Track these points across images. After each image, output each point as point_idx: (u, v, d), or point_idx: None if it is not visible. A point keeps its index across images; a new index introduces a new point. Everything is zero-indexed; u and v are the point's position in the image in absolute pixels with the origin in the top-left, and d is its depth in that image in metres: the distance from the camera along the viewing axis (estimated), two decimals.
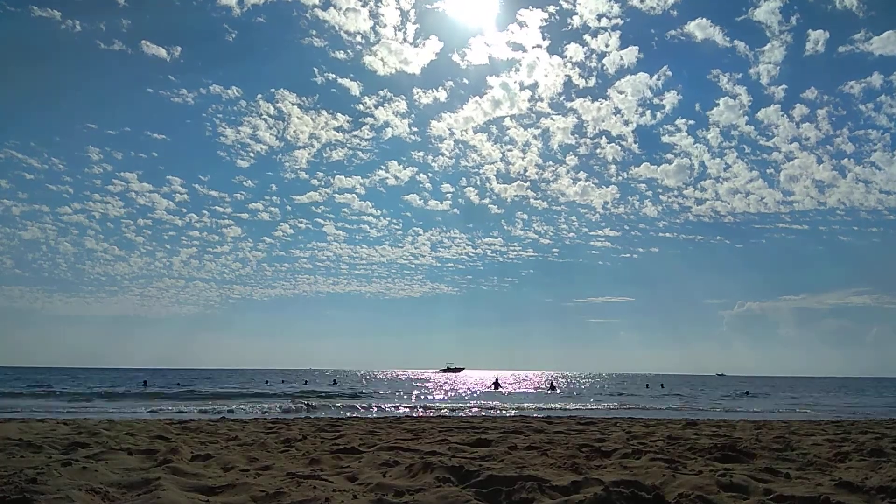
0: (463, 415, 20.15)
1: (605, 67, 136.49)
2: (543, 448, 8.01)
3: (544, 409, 26.56)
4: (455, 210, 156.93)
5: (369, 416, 19.91)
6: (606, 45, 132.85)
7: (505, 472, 5.15)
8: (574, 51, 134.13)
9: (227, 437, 9.45)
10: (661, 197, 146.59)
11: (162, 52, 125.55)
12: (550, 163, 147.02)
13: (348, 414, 21.65)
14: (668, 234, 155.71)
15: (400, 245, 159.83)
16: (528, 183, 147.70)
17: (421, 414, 20.89)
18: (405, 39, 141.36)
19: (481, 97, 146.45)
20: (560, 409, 27.07)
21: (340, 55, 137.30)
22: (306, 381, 60.79)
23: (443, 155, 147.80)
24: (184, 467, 5.60)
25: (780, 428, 12.94)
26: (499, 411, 23.75)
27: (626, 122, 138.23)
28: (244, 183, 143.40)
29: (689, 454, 7.33)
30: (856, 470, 5.99)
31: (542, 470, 5.67)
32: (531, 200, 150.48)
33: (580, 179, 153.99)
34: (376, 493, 4.81)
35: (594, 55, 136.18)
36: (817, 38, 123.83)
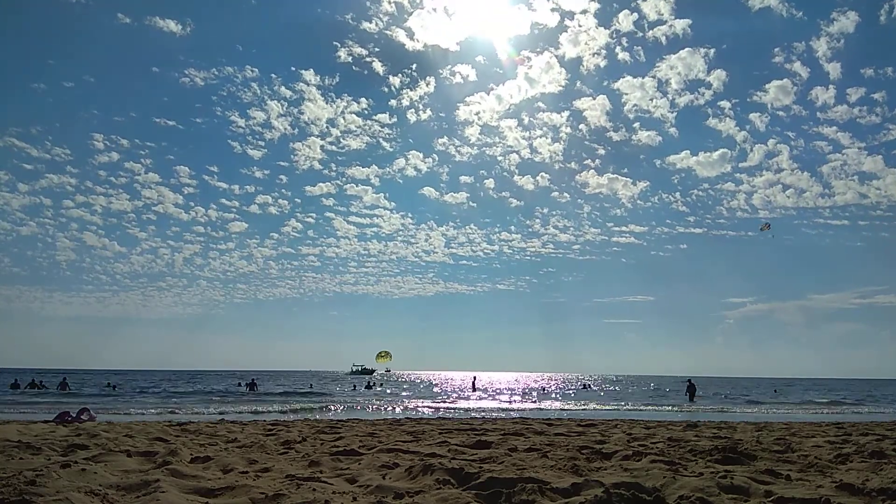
0: (462, 416, 20.14)
1: (653, 39, 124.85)
2: (544, 450, 8.00)
3: (545, 410, 26.58)
4: (472, 203, 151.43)
5: (369, 417, 19.89)
6: (659, 13, 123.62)
7: (505, 474, 5.14)
8: (623, 18, 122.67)
9: (227, 439, 9.44)
10: (693, 190, 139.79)
11: (171, 26, 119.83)
12: (578, 150, 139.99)
13: (348, 416, 21.63)
14: (697, 230, 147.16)
15: (413, 242, 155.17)
16: (551, 175, 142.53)
17: (421, 415, 20.87)
18: (445, 8, 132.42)
19: (515, 77, 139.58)
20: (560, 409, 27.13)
21: (369, 28, 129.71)
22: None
23: (467, 142, 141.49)
24: (183, 469, 5.59)
25: (781, 430, 12.92)
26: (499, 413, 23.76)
27: (672, 104, 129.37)
28: (254, 174, 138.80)
29: (690, 456, 7.32)
30: (856, 472, 5.98)
31: (542, 472, 5.66)
32: (553, 193, 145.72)
33: (608, 171, 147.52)
34: (376, 496, 4.80)
35: (645, 23, 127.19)
36: (893, 5, 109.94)
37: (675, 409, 29.65)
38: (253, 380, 47.80)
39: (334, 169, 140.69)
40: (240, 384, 52.89)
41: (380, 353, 61.08)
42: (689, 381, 39.93)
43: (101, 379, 60.04)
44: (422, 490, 4.87)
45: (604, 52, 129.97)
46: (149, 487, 4.58)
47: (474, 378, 55.52)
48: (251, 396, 36.58)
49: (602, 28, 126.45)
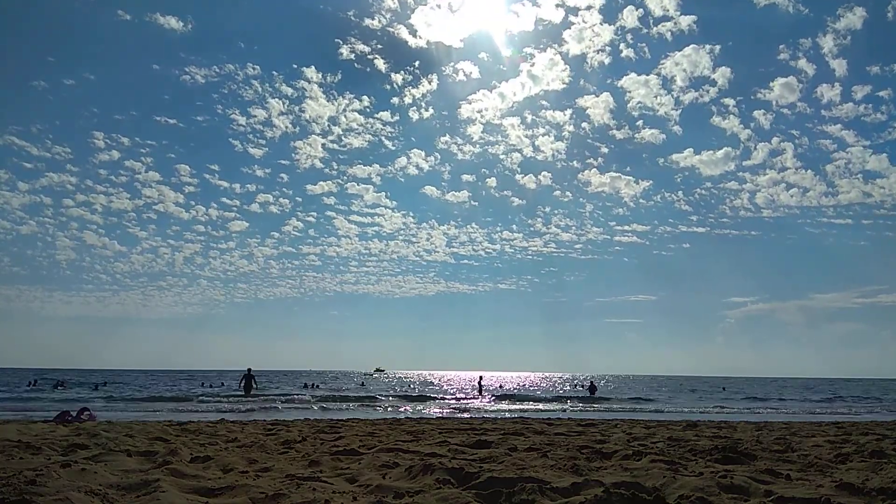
0: (463, 416, 20.14)
1: (658, 36, 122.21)
2: (544, 449, 8.00)
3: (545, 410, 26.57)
4: (474, 202, 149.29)
5: (369, 417, 19.89)
6: (664, 9, 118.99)
7: (505, 474, 5.14)
8: (628, 14, 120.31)
9: (227, 439, 9.44)
10: (697, 189, 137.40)
11: (172, 23, 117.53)
12: (580, 149, 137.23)
13: (348, 415, 21.63)
14: (700, 229, 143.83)
15: (414, 241, 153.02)
16: (553, 174, 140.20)
17: (421, 415, 20.87)
18: (449, 5, 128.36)
19: (518, 74, 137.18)
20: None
21: (371, 24, 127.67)
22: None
23: (469, 141, 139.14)
24: (183, 469, 5.59)
25: (781, 429, 12.93)
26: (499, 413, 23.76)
27: (676, 102, 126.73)
28: (255, 173, 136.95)
29: (690, 455, 7.33)
30: (857, 471, 5.98)
31: (542, 471, 5.66)
32: (555, 192, 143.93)
33: (610, 169, 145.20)
34: (376, 495, 4.80)
35: (650, 19, 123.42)
36: None
37: (580, 406, 31.01)
38: (249, 369, 34.24)
39: (335, 167, 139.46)
40: (202, 384, 46.41)
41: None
42: (591, 381, 55.06)
43: (101, 378, 59.48)
44: (422, 490, 4.87)
45: (608, 48, 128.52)
46: (149, 487, 4.58)
47: (480, 378, 53.49)
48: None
49: (607, 24, 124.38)
